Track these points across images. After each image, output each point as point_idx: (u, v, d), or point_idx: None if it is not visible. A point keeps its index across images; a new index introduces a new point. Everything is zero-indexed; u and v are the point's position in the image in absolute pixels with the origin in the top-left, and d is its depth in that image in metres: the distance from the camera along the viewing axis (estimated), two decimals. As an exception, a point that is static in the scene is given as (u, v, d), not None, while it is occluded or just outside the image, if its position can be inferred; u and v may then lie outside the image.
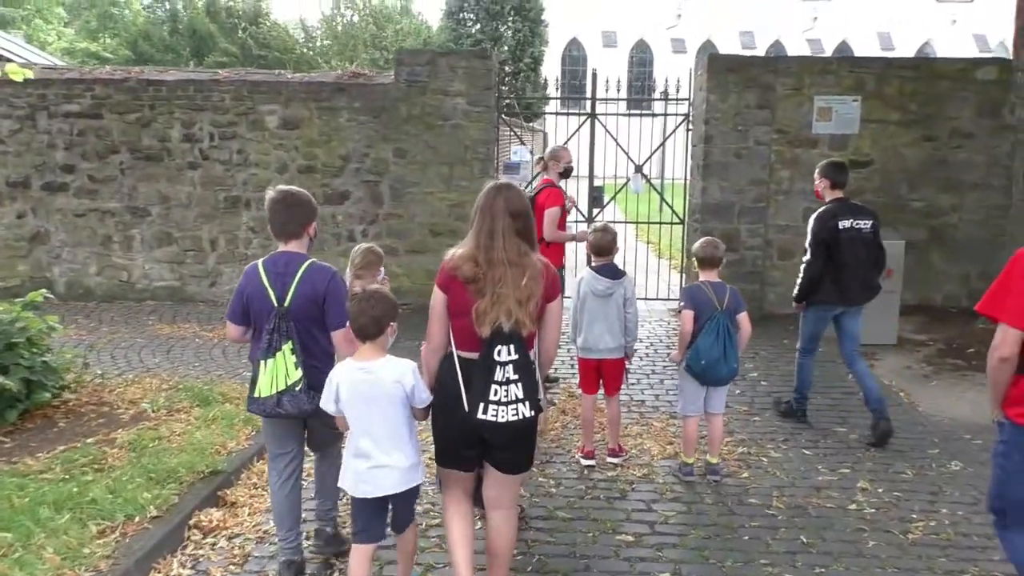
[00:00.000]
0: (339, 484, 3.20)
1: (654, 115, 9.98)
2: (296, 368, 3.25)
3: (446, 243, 3.77)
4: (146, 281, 9.63)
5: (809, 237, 5.55)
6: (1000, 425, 2.98)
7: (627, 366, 5.14)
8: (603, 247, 4.95)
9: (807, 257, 5.56)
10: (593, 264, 5.01)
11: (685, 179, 9.89)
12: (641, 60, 45.94)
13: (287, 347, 3.24)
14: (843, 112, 8.97)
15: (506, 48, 28.42)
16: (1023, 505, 2.95)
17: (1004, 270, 2.92)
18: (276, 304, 3.29)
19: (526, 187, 6.71)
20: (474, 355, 2.92)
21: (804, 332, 5.85)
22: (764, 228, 9.12)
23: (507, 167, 9.91)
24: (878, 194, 9.11)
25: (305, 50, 30.98)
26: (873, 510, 4.49)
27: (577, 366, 5.31)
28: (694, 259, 4.92)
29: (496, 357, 2.84)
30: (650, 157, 9.90)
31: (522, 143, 10.14)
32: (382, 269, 4.88)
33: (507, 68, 27.05)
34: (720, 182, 9.09)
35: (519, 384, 2.85)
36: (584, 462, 5.10)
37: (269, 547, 3.97)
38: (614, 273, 4.91)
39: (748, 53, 18.83)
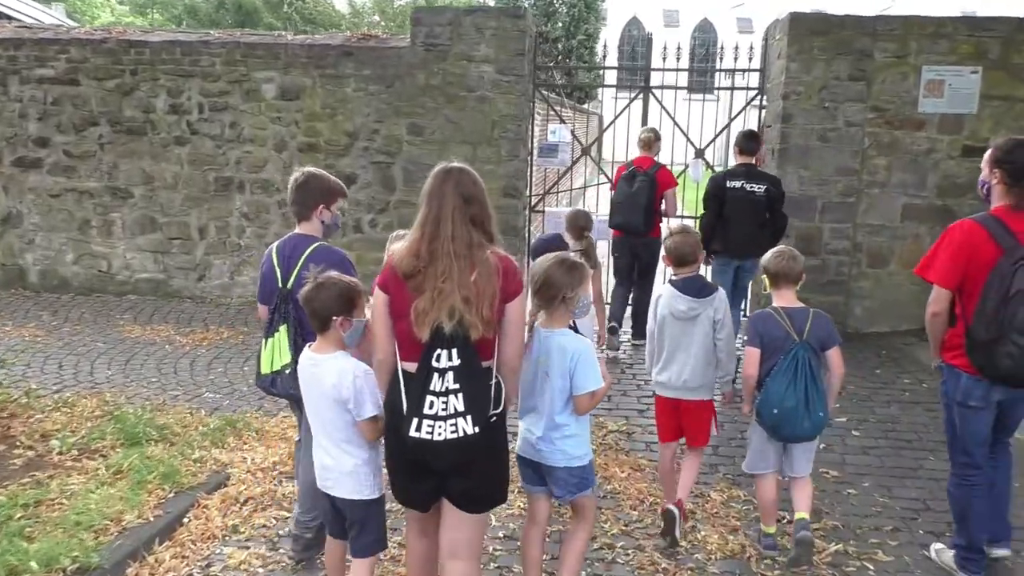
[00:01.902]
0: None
1: (719, 89, 8.37)
2: (288, 351, 3.23)
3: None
4: (127, 272, 8.44)
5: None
6: (940, 368, 3.55)
7: (717, 411, 3.96)
8: (684, 255, 3.80)
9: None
10: (674, 277, 3.88)
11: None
12: (704, 41, 43.74)
13: (283, 328, 3.24)
14: (958, 86, 7.24)
15: (560, 24, 26.81)
16: (961, 434, 3.47)
17: (936, 241, 3.42)
18: (280, 285, 3.29)
19: (645, 170, 6.67)
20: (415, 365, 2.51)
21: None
22: (852, 228, 7.47)
23: (543, 149, 8.43)
24: (998, 189, 7.36)
25: (352, 26, 29.82)
26: None
27: (654, 406, 4.06)
28: (763, 275, 3.75)
29: (434, 363, 2.41)
30: (714, 140, 8.33)
31: (562, 121, 8.63)
32: None
33: (559, 45, 25.41)
34: (800, 171, 7.46)
35: (460, 395, 2.41)
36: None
37: None
38: (700, 289, 3.79)
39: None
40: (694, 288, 3.79)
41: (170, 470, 4.17)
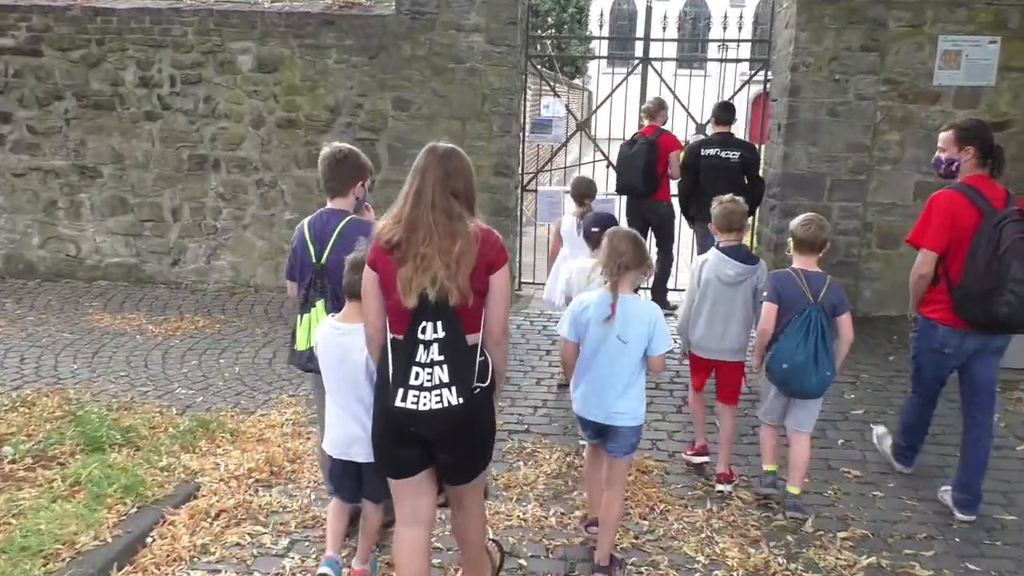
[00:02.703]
0: (323, 445, 3.16)
1: (724, 61, 7.94)
2: None
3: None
4: (97, 257, 7.97)
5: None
6: (915, 320, 4.02)
7: (746, 373, 4.26)
8: (731, 222, 4.02)
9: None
10: (721, 244, 4.06)
11: (760, 142, 7.90)
12: (696, 16, 43.12)
13: (320, 304, 3.26)
14: (976, 57, 6.85)
15: (549, -2, 26.21)
16: (925, 375, 4.05)
17: (923, 212, 3.82)
18: (314, 260, 3.29)
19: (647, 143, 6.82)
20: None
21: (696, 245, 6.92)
22: (862, 207, 7.11)
23: (536, 124, 8.00)
24: (1015, 165, 6.98)
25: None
26: None
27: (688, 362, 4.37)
28: (790, 239, 3.94)
29: (420, 335, 2.47)
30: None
31: (555, 95, 8.19)
32: None
33: (549, 19, 24.80)
34: (808, 147, 7.07)
35: (444, 366, 2.47)
36: (695, 460, 4.33)
37: None
38: (747, 257, 4.04)
39: None
40: (741, 255, 4.00)
41: (133, 481, 3.77)
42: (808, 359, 3.62)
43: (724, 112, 6.72)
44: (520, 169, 7.79)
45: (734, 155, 6.41)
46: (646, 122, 6.99)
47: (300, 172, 7.60)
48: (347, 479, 3.11)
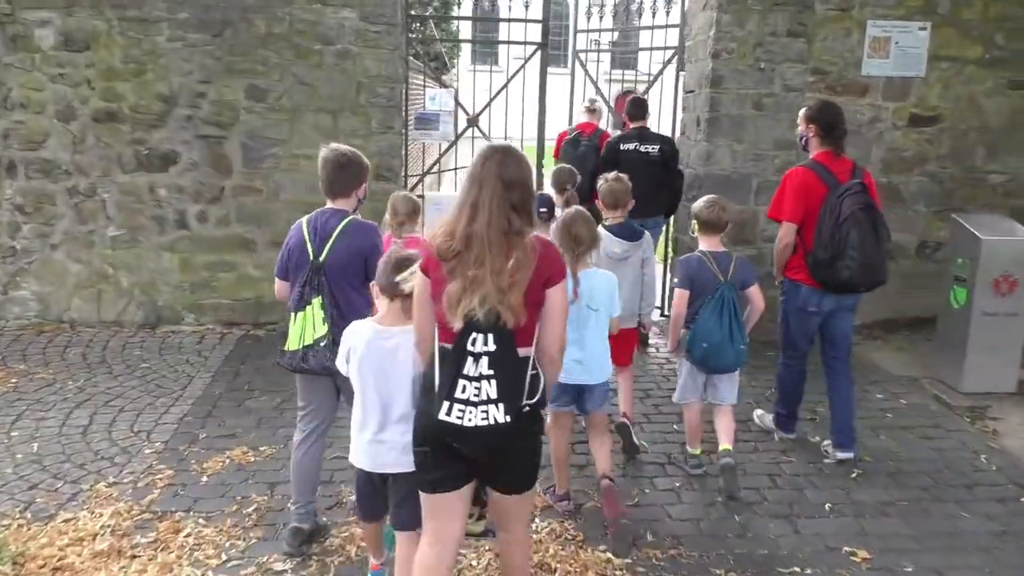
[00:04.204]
0: (350, 459, 2.95)
1: (630, 50, 7.05)
2: (323, 323, 3.24)
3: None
4: None
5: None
6: (781, 283, 4.41)
7: (643, 333, 4.60)
8: (617, 198, 4.26)
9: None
10: (607, 222, 4.25)
11: (673, 137, 7.06)
12: (557, 14, 42.89)
13: (316, 301, 3.25)
14: (906, 45, 6.25)
15: (413, -11, 24.79)
16: (794, 334, 4.38)
17: (779, 188, 4.27)
18: (312, 258, 3.27)
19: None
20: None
21: None
22: (791, 211, 6.38)
23: (419, 119, 6.80)
24: (944, 163, 6.50)
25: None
26: None
27: None
28: (693, 221, 4.12)
29: (470, 347, 2.32)
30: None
31: (443, 85, 7.02)
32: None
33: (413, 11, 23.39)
34: (733, 144, 6.27)
35: (493, 381, 2.32)
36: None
37: None
38: (632, 233, 4.24)
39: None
40: (626, 232, 4.21)
41: None
42: (724, 337, 3.86)
43: (635, 109, 6.40)
44: (403, 171, 6.58)
45: (654, 148, 6.16)
46: (584, 117, 6.78)
47: (126, 177, 6.05)
48: (373, 496, 2.95)
